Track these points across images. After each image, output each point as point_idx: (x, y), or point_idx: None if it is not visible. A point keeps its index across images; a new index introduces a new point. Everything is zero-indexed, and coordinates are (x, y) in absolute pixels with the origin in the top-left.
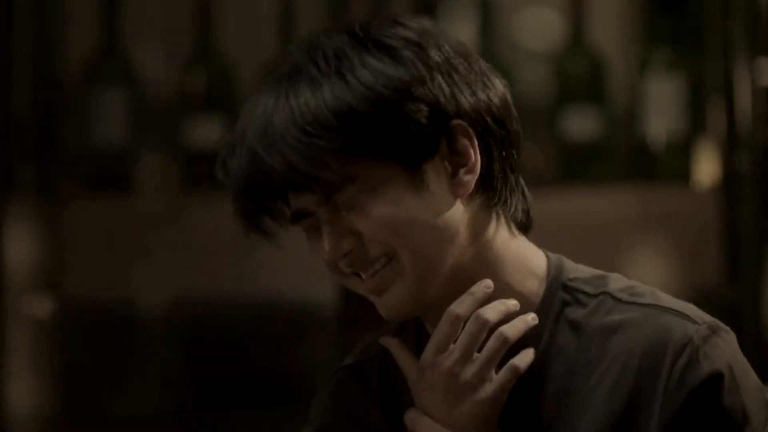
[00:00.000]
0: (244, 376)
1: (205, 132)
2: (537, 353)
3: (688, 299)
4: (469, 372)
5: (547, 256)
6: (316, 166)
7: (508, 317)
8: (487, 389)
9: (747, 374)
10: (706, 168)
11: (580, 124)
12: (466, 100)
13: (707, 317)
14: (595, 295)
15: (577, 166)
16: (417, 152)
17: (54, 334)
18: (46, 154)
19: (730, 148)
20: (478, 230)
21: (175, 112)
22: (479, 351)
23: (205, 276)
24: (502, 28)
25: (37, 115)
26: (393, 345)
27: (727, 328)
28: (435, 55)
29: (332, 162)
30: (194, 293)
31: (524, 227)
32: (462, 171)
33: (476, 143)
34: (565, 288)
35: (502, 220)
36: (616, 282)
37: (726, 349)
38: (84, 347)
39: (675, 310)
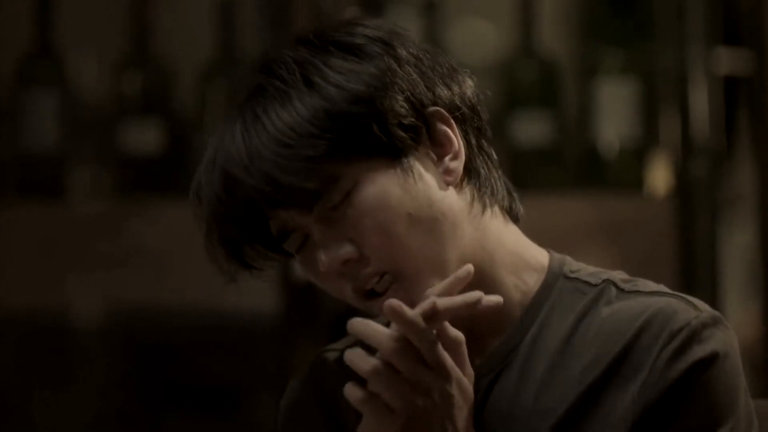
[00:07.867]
0: (181, 387)
1: (142, 136)
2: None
3: None
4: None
5: (550, 254)
6: (299, 175)
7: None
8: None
9: (740, 371)
10: (660, 174)
11: (531, 129)
12: (440, 90)
13: (712, 311)
14: (596, 285)
15: (528, 172)
16: (398, 143)
17: None
18: None
19: (684, 154)
20: (475, 220)
21: (110, 115)
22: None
23: (142, 285)
24: (448, 33)
25: None
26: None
27: (730, 328)
28: (402, 51)
29: (315, 168)
30: (130, 303)
31: (515, 218)
32: (447, 158)
33: (456, 129)
34: (567, 278)
35: (496, 208)
36: (620, 274)
37: (724, 340)
38: (16, 359)
39: (679, 296)
